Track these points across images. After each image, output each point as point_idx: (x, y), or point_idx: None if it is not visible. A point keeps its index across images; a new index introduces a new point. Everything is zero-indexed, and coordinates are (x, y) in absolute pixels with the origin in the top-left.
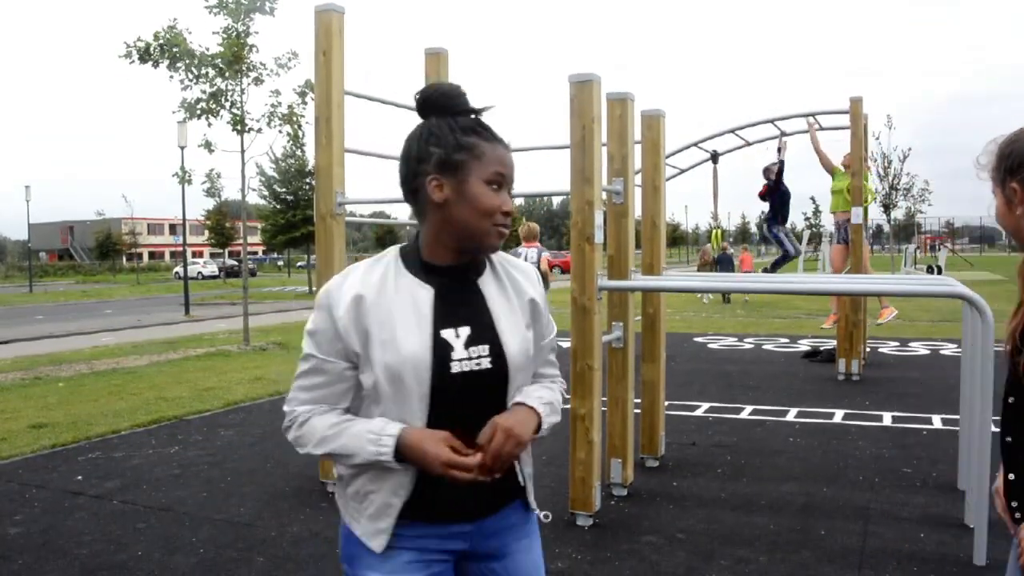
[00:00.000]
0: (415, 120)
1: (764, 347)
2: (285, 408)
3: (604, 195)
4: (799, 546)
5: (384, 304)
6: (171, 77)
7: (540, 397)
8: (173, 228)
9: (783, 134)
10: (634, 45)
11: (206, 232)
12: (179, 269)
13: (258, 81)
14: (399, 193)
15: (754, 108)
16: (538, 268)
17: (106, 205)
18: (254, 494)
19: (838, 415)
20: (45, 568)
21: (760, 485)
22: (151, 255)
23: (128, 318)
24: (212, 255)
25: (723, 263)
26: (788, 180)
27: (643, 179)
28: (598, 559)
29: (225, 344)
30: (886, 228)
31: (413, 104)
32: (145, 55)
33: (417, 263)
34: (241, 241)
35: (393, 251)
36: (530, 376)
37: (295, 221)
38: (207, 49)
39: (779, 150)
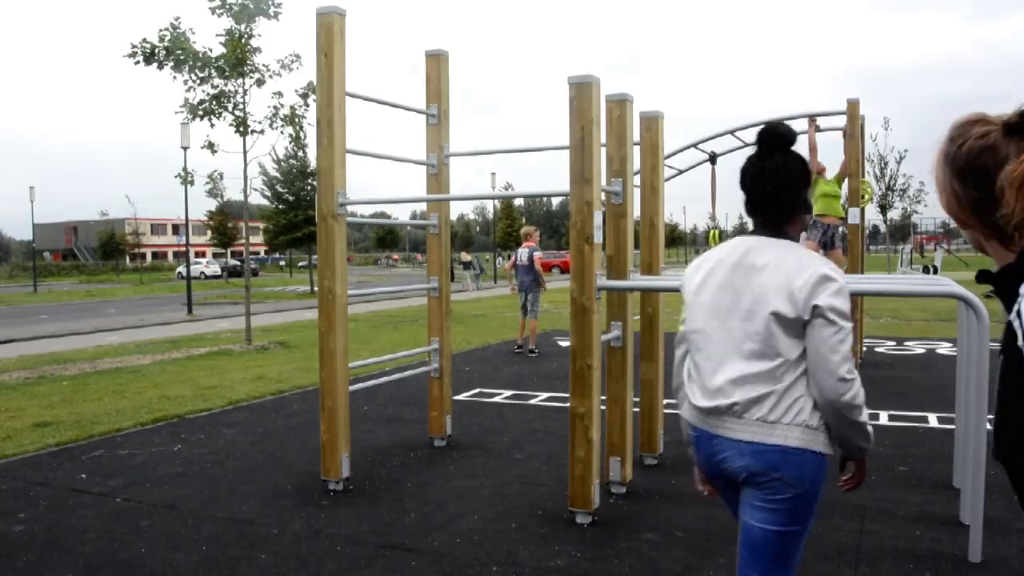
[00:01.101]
0: (416, 121)
1: None
2: (851, 376)
3: (603, 196)
4: None
5: None
6: (174, 78)
7: None
8: (176, 228)
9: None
10: (633, 46)
11: (209, 232)
12: (182, 269)
13: (260, 83)
14: (399, 194)
15: (752, 109)
16: (530, 266)
17: (110, 205)
18: (256, 492)
19: None
20: (49, 565)
21: None
22: (154, 255)
23: (131, 318)
24: (215, 255)
25: None
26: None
27: (642, 180)
28: (597, 557)
29: (227, 343)
30: (883, 228)
31: (413, 106)
32: (151, 57)
33: None
34: (243, 241)
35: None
36: None
37: (297, 221)
38: (210, 50)
39: None
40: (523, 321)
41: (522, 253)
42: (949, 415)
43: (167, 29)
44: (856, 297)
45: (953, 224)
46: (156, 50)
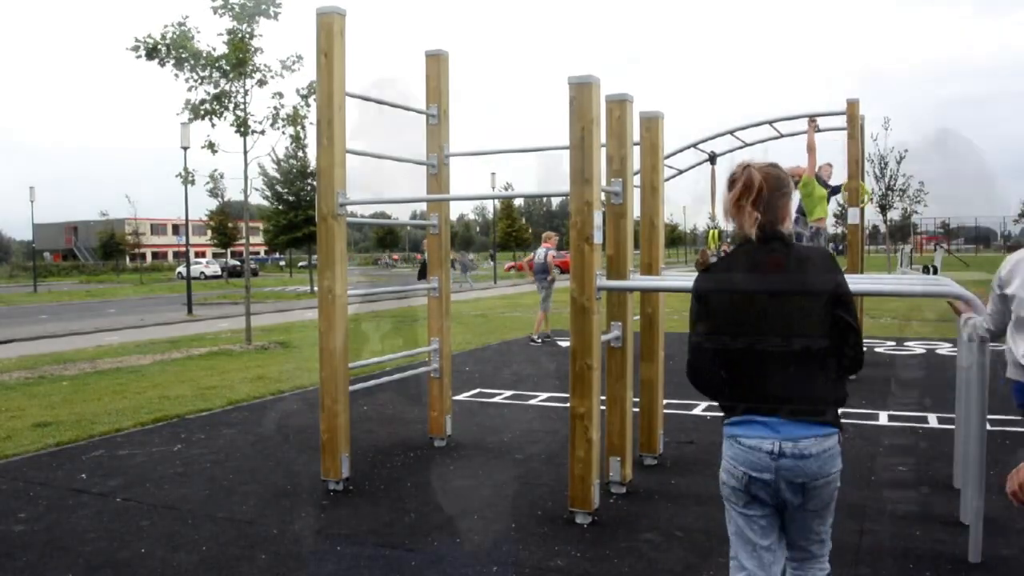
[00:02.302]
0: (416, 121)
1: None
2: None
3: (603, 196)
4: None
5: None
6: (176, 76)
7: None
8: (176, 228)
9: (780, 135)
10: (633, 46)
11: (209, 232)
12: (182, 269)
13: (262, 83)
14: (399, 194)
15: (752, 109)
16: (544, 265)
17: (110, 206)
18: (256, 492)
19: None
20: (49, 565)
21: None
22: (154, 255)
23: (131, 318)
24: (215, 255)
25: None
26: None
27: (642, 180)
28: (597, 557)
29: (227, 343)
30: (882, 229)
31: (413, 106)
32: (153, 52)
33: None
34: (243, 241)
35: None
36: None
37: (297, 221)
38: (213, 50)
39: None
40: (542, 315)
41: (539, 253)
42: (949, 415)
43: (172, 26)
44: (856, 297)
45: (953, 224)
46: (159, 46)
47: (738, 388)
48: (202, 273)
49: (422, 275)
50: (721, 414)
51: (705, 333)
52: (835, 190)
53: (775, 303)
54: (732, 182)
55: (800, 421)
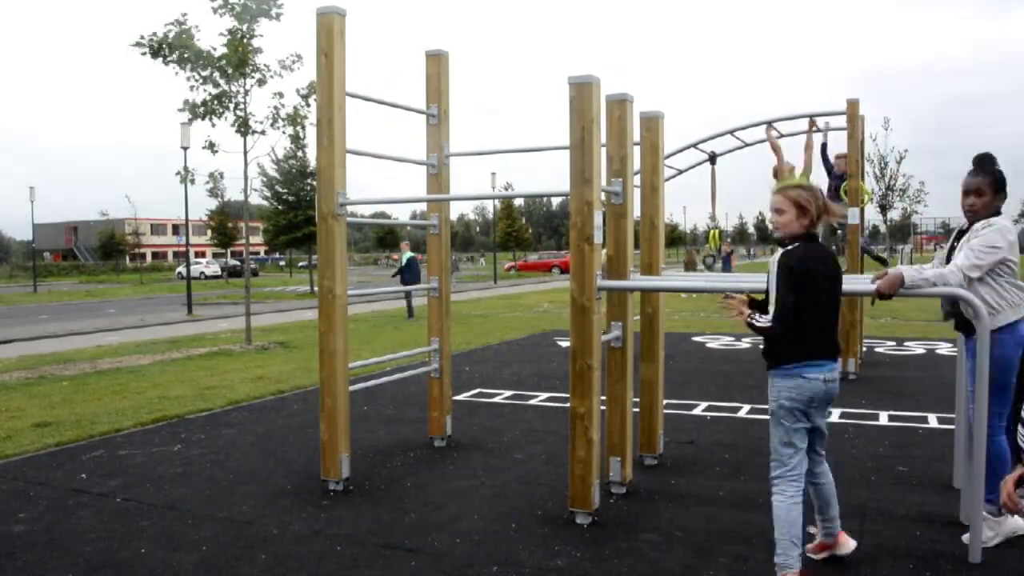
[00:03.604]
0: (416, 121)
1: (762, 346)
2: None
3: (603, 196)
4: None
5: None
6: (176, 74)
7: None
8: (176, 228)
9: (779, 135)
10: (633, 46)
11: (209, 232)
12: (182, 269)
13: (262, 83)
14: (399, 193)
15: (752, 109)
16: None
17: (110, 206)
18: (256, 492)
19: (835, 414)
20: (49, 565)
21: (758, 483)
22: (154, 255)
23: (131, 318)
24: (215, 255)
25: (724, 261)
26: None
27: (642, 180)
28: (597, 557)
29: (227, 343)
30: (882, 229)
31: (413, 106)
32: (157, 52)
33: None
34: (243, 241)
35: None
36: None
37: (297, 221)
38: (214, 49)
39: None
40: None
41: None
42: (949, 415)
43: (173, 24)
44: (856, 297)
45: (953, 224)
46: (162, 45)
47: (810, 340)
48: (202, 273)
49: (415, 279)
50: (721, 411)
51: (808, 299)
52: (841, 179)
53: (836, 283)
54: (810, 202)
55: (830, 360)
